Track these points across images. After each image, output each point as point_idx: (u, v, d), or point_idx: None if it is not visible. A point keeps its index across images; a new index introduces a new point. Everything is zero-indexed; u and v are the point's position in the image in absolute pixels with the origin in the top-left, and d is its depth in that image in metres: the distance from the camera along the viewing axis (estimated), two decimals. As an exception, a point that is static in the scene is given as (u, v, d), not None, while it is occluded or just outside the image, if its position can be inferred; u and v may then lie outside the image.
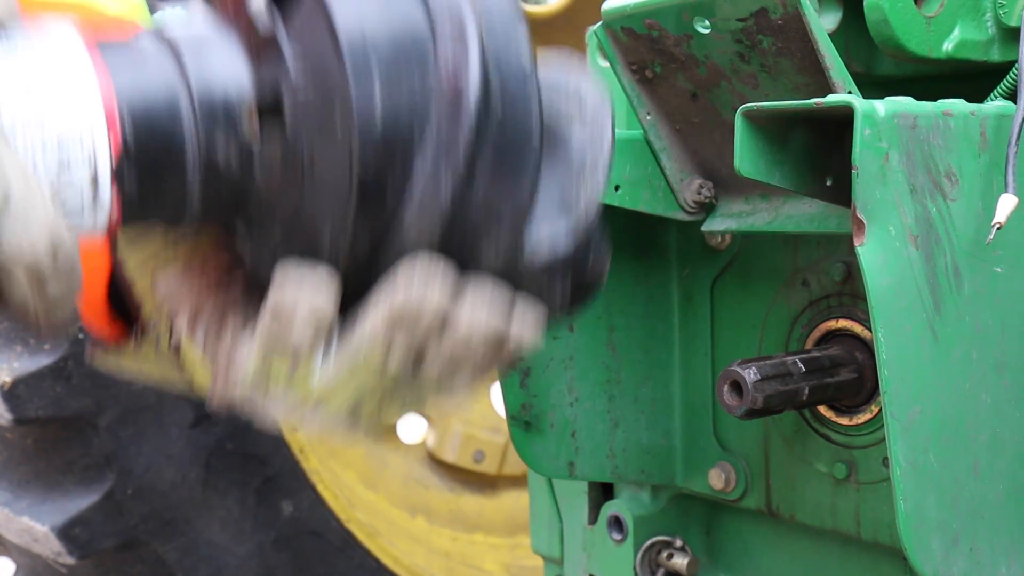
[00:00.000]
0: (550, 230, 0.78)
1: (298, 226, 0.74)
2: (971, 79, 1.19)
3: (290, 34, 0.73)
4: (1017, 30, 1.15)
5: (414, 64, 0.72)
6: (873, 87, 1.22)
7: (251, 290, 0.80)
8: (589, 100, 0.83)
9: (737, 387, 1.11)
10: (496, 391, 2.61)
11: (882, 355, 0.91)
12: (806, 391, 1.14)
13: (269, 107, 0.73)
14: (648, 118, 1.26)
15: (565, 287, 0.81)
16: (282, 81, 0.73)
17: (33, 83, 0.68)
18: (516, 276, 0.78)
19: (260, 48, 0.74)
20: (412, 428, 3.11)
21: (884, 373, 0.92)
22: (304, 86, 0.72)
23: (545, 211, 0.78)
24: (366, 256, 0.75)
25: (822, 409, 1.28)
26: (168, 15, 0.74)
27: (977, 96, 1.08)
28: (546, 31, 2.82)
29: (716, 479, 1.38)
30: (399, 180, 0.72)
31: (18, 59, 0.69)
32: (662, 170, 1.27)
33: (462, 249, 0.75)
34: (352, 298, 0.76)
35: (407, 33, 0.72)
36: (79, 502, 2.20)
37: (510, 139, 0.74)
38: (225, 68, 0.74)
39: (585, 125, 0.81)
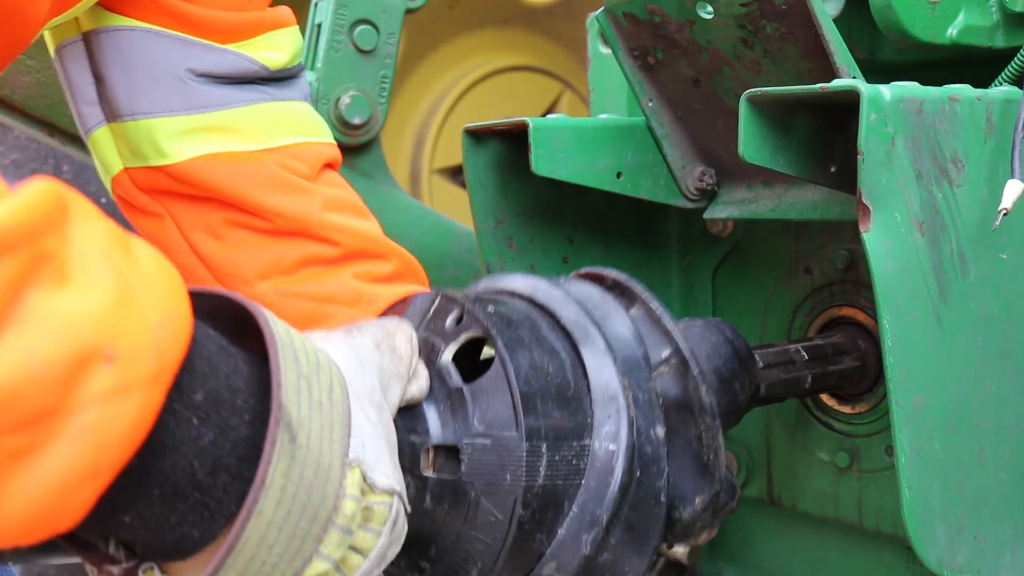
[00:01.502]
0: (696, 495, 0.93)
1: (453, 556, 0.85)
2: (975, 65, 1.18)
3: (474, 392, 0.85)
4: (1022, 15, 1.14)
5: (575, 438, 0.86)
6: (876, 74, 1.21)
7: None
8: (668, 346, 0.95)
9: (740, 375, 1.11)
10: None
11: (887, 342, 0.91)
12: (809, 379, 1.14)
13: (448, 446, 0.85)
14: (650, 105, 1.25)
15: (715, 516, 0.97)
16: (463, 429, 0.85)
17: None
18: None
19: (447, 394, 0.86)
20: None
21: (889, 360, 0.91)
22: (483, 439, 0.84)
23: (687, 478, 0.93)
24: None
25: (824, 397, 1.27)
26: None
27: (981, 83, 1.07)
28: (546, 19, 2.81)
29: (717, 468, 1.38)
30: (550, 524, 0.85)
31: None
32: (664, 157, 1.26)
33: None
34: None
35: (573, 414, 0.87)
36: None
37: (643, 496, 0.88)
38: (414, 409, 0.86)
39: (680, 377, 0.94)
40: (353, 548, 0.74)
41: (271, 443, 0.68)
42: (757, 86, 0.98)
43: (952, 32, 1.13)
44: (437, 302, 0.92)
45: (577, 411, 0.87)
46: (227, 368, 0.70)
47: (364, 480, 0.74)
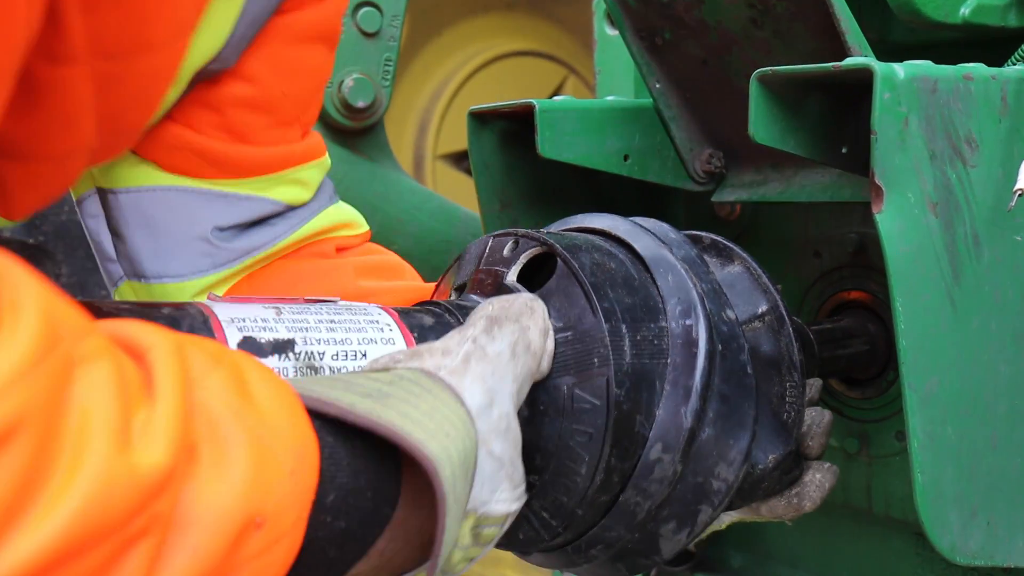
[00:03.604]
0: (767, 456, 0.94)
1: (558, 458, 0.84)
2: (988, 46, 1.16)
3: (545, 296, 0.87)
4: (1036, -5, 1.13)
5: (651, 320, 0.88)
6: (887, 55, 1.19)
7: None
8: (766, 302, 0.98)
9: (749, 359, 1.10)
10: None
11: (900, 324, 0.89)
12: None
13: None
14: (658, 86, 1.23)
15: (780, 481, 0.98)
16: None
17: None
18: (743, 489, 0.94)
19: None
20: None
21: (902, 343, 0.90)
22: (563, 333, 0.85)
23: (764, 434, 0.93)
24: (610, 499, 0.86)
25: (833, 383, 1.26)
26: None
27: (994, 64, 1.05)
28: (550, 4, 2.79)
29: (725, 454, 1.37)
30: (647, 406, 0.85)
31: None
32: (672, 140, 1.25)
33: (697, 473, 0.87)
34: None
35: (644, 299, 0.89)
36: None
37: (730, 368, 0.89)
38: None
39: (773, 333, 0.97)
40: (465, 558, 0.77)
41: None
42: (766, 67, 0.97)
43: (965, 11, 1.12)
44: (491, 241, 0.94)
45: (647, 297, 0.89)
46: (347, 453, 0.71)
47: (476, 522, 0.76)
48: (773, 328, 0.97)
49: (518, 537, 0.88)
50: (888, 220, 0.89)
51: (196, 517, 0.60)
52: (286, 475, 0.65)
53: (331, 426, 0.72)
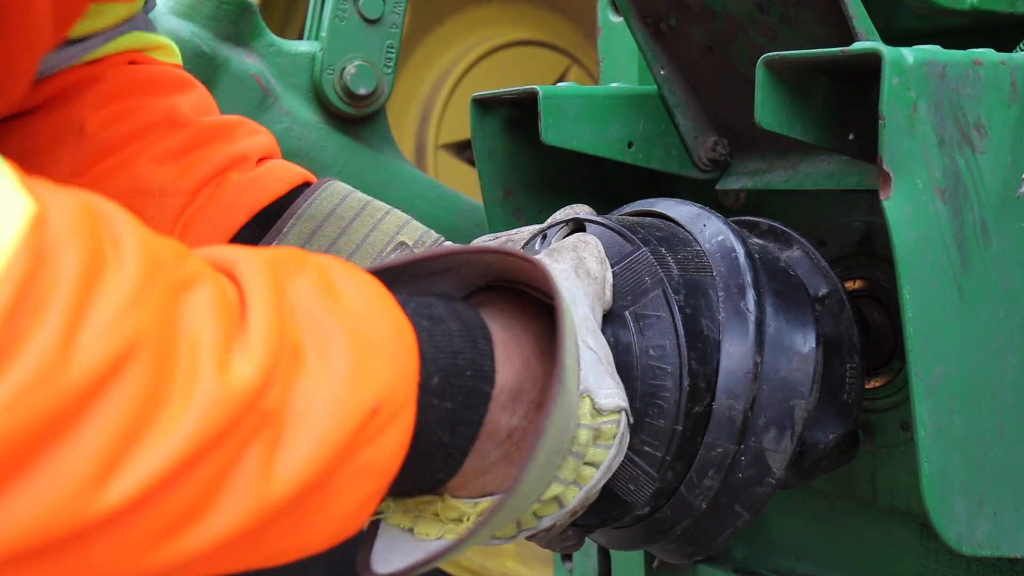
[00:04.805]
0: (828, 435, 0.97)
1: (644, 380, 0.86)
2: (995, 33, 1.15)
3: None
4: (1045, -20, 1.12)
5: (685, 245, 0.93)
6: (893, 42, 1.18)
7: None
8: (827, 286, 1.01)
9: (753, 349, 1.09)
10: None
11: (907, 312, 0.89)
12: (823, 353, 1.12)
13: None
14: (662, 73, 1.22)
15: (838, 460, 1.04)
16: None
17: None
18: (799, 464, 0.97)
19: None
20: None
21: (909, 331, 0.89)
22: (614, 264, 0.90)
23: (825, 414, 0.96)
24: (703, 409, 0.88)
25: (838, 372, 1.25)
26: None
27: (1002, 51, 1.04)
28: (553, -8, 2.78)
29: (728, 444, 1.36)
30: (707, 312, 0.89)
31: None
32: (676, 127, 1.24)
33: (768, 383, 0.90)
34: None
35: (674, 233, 0.95)
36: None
37: (772, 270, 0.93)
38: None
39: (833, 316, 0.99)
40: (586, 463, 0.79)
41: (553, 400, 0.73)
42: (773, 52, 0.96)
43: (973, -2, 1.11)
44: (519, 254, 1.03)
45: (676, 232, 0.95)
46: (443, 335, 0.74)
47: (593, 406, 0.79)
48: (833, 311, 0.99)
49: (628, 488, 0.88)
50: (896, 207, 0.88)
51: (311, 409, 0.63)
52: (389, 358, 0.67)
53: (424, 310, 0.75)
